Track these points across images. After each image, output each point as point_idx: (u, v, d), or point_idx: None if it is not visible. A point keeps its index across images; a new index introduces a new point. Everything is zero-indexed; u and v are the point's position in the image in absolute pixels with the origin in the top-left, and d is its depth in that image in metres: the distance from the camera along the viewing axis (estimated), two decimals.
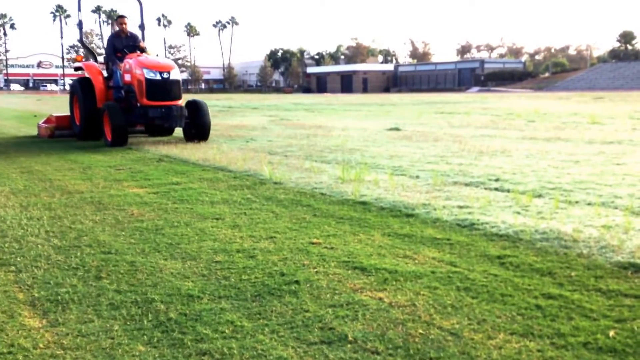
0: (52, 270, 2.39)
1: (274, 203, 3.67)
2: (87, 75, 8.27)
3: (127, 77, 7.45)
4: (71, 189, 4.30)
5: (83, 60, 8.87)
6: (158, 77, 7.17)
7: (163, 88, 7.21)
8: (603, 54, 75.80)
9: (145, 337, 1.74)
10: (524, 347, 1.63)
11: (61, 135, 8.73)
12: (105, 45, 8.61)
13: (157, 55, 8.06)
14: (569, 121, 10.56)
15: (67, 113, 9.09)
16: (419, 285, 2.12)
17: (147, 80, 7.13)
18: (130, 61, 7.44)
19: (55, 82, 70.31)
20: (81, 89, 7.98)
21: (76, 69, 8.87)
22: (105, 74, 8.15)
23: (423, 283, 2.14)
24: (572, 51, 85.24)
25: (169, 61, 7.64)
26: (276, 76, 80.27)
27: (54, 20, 75.54)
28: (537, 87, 54.40)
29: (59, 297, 2.06)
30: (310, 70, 76.50)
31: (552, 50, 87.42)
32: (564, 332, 1.71)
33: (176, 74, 7.40)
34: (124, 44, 8.05)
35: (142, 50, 7.91)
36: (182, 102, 7.42)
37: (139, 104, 7.25)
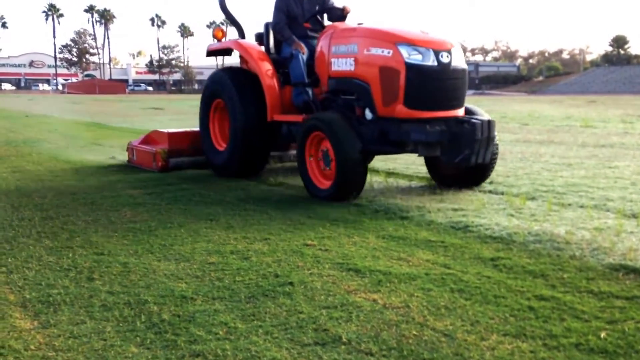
0: (43, 271, 2.37)
1: (268, 204, 3.67)
2: (239, 63, 4.82)
3: (341, 65, 3.78)
4: (63, 190, 4.26)
5: (225, 37, 4.96)
6: (431, 61, 3.45)
7: (443, 84, 3.51)
8: (596, 58, 76.73)
9: (138, 338, 1.73)
10: (516, 348, 1.64)
11: (179, 167, 5.04)
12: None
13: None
14: (562, 124, 10.67)
15: (186, 128, 5.58)
16: (412, 287, 2.13)
17: (411, 67, 3.42)
18: (350, 32, 3.83)
19: (48, 81, 69.75)
20: (236, 88, 4.36)
21: (212, 53, 4.93)
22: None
23: (417, 285, 2.15)
24: (565, 55, 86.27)
25: (441, 34, 3.72)
26: None
27: (46, 19, 74.84)
28: (530, 91, 54.92)
29: (51, 299, 2.04)
30: None
31: (546, 54, 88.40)
32: (556, 334, 1.73)
33: (460, 57, 3.61)
34: (305, 9, 4.41)
35: (343, 15, 4.20)
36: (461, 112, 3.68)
37: (372, 116, 3.62)
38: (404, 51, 3.48)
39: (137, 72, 78.60)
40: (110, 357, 1.62)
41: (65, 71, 72.14)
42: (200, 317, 1.87)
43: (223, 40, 5.00)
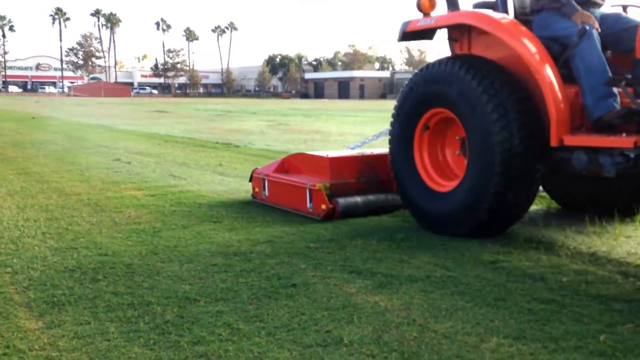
0: (48, 271, 2.39)
1: (272, 207, 3.69)
2: (450, 49, 3.15)
3: None
4: (68, 191, 4.30)
5: (432, 11, 3.06)
6: None
7: None
8: None
9: (141, 339, 1.75)
10: (516, 350, 1.65)
11: (352, 212, 3.24)
12: None
13: None
14: None
15: (350, 149, 4.09)
16: (414, 289, 2.14)
17: None
18: None
19: (54, 84, 70.38)
20: (485, 90, 2.68)
21: (411, 35, 3.19)
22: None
23: (418, 287, 2.16)
24: None
25: None
26: (274, 81, 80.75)
27: (53, 23, 75.63)
28: None
29: (55, 299, 2.07)
30: (308, 76, 76.99)
31: None
32: (555, 336, 1.74)
33: None
34: None
35: None
36: None
37: None
38: None
39: (142, 76, 79.07)
40: (114, 358, 1.63)
41: (71, 74, 72.73)
42: (204, 318, 1.88)
43: (432, 14, 3.03)
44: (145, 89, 71.49)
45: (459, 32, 3.07)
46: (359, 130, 11.05)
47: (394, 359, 1.60)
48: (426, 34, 3.18)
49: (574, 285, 2.17)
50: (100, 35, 76.13)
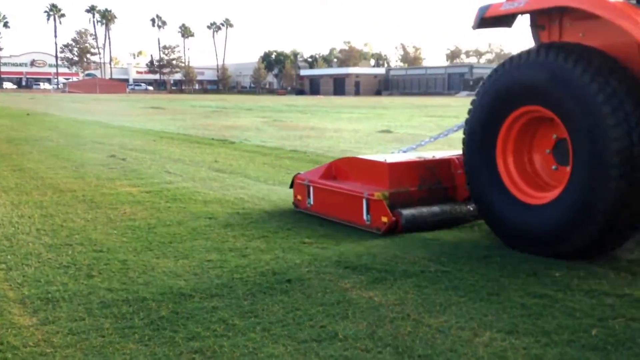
0: (42, 268, 2.38)
1: (267, 202, 3.69)
2: (534, 39, 2.79)
3: None
4: (63, 187, 4.28)
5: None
6: None
7: None
8: None
9: (136, 335, 1.75)
10: (509, 344, 1.67)
11: (417, 225, 2.85)
12: None
13: None
14: None
15: (403, 152, 3.71)
16: (408, 284, 2.16)
17: None
18: None
19: (49, 80, 69.83)
20: (600, 84, 2.25)
21: (490, 21, 2.78)
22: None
23: (412, 282, 2.18)
24: None
25: None
26: (270, 78, 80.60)
27: (48, 19, 74.94)
28: None
29: (50, 295, 2.06)
30: (303, 72, 76.97)
31: None
32: (548, 330, 1.75)
33: None
34: None
35: None
36: None
37: None
38: None
39: (137, 72, 78.59)
40: (109, 354, 1.63)
41: (66, 70, 72.19)
42: (199, 314, 1.89)
43: None
44: (140, 85, 71.08)
45: (547, 18, 2.61)
46: (355, 126, 11.07)
47: (388, 353, 1.61)
48: (506, 20, 2.73)
49: (567, 280, 2.19)
50: (95, 32, 75.60)
